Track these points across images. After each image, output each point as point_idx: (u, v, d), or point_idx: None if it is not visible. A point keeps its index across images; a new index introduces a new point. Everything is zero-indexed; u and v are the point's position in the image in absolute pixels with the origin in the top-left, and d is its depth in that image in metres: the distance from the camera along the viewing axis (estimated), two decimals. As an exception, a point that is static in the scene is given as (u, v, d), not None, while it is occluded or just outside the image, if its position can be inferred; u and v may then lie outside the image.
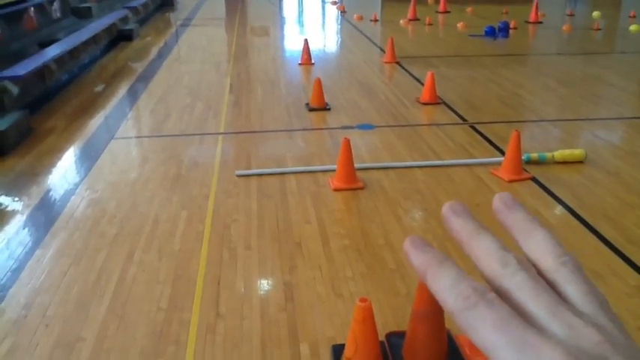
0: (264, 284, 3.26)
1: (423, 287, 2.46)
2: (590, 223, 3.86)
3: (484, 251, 0.39)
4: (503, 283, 0.37)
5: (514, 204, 0.42)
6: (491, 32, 11.00)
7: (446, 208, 0.43)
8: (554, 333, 0.33)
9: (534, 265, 0.39)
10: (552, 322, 0.34)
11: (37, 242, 3.69)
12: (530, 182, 4.48)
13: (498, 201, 0.43)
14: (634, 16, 13.21)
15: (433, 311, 2.48)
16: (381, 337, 2.60)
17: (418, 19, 13.24)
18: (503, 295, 0.36)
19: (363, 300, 2.37)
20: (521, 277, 0.36)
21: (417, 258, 0.40)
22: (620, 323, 0.35)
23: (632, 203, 4.16)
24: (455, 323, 0.36)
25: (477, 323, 0.34)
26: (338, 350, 2.61)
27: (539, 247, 0.39)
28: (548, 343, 0.32)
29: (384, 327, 2.72)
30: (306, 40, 9.00)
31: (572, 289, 0.37)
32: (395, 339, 2.66)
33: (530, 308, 0.35)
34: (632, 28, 11.59)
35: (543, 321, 0.34)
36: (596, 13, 13.24)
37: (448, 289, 0.36)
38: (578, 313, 0.34)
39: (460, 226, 0.42)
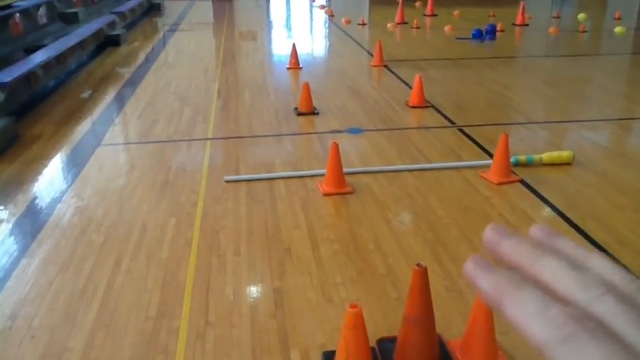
0: (254, 291, 3.23)
1: (414, 292, 2.45)
2: (579, 224, 3.87)
3: (556, 273, 0.34)
4: (592, 310, 0.31)
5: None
6: (478, 35, 11.04)
7: (488, 234, 0.38)
8: None
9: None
10: None
11: (23, 251, 3.65)
12: (519, 184, 4.49)
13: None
14: (619, 18, 13.32)
15: (424, 316, 2.47)
16: (372, 343, 2.59)
17: (406, 23, 13.27)
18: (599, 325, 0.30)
19: (353, 306, 2.35)
20: (611, 300, 0.31)
21: (487, 282, 0.34)
22: None
23: (620, 204, 4.17)
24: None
25: (577, 359, 0.29)
26: (329, 357, 2.59)
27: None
28: None
29: (375, 332, 2.71)
30: (294, 45, 8.99)
31: None
32: (386, 344, 2.64)
33: (633, 338, 0.29)
34: (618, 30, 11.69)
35: None
36: (582, 16, 13.34)
37: (535, 315, 0.31)
38: None
39: (513, 249, 0.36)
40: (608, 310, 0.31)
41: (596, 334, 0.29)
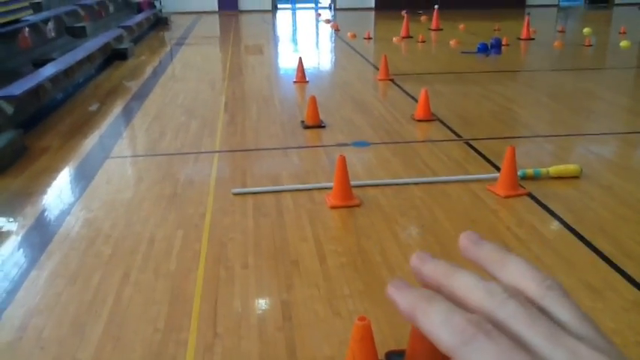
0: (262, 303, 3.24)
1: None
2: (586, 237, 3.86)
3: (466, 286, 0.37)
4: (496, 315, 0.35)
5: (480, 240, 0.41)
6: (483, 49, 11.09)
7: (413, 261, 0.41)
8: None
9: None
10: (554, 350, 0.32)
11: (32, 263, 3.67)
12: (526, 198, 4.49)
13: (464, 239, 0.41)
14: (624, 33, 13.35)
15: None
16: (381, 356, 2.59)
17: (411, 37, 13.34)
18: (498, 327, 0.34)
19: (361, 319, 2.36)
20: (512, 305, 0.35)
21: (403, 300, 0.37)
22: (616, 347, 0.34)
23: (627, 217, 4.17)
24: None
25: (477, 357, 0.32)
26: (337, 369, 2.59)
27: (518, 274, 0.38)
28: None
29: (383, 345, 2.71)
30: (300, 59, 9.05)
31: (565, 313, 0.35)
32: (395, 358, 2.64)
33: (528, 338, 0.33)
34: (623, 44, 11.71)
35: (545, 350, 0.32)
36: (586, 30, 13.38)
37: (441, 324, 0.34)
38: (579, 338, 0.33)
39: (431, 270, 0.40)
40: (508, 314, 0.34)
41: (492, 335, 0.33)
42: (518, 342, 0.33)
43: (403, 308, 0.37)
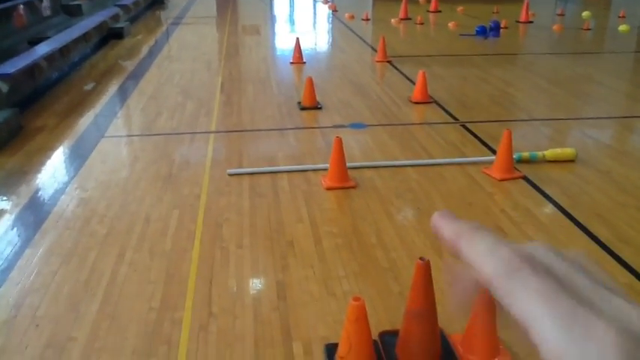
0: (257, 283, 3.25)
1: (417, 286, 2.46)
2: (581, 221, 3.87)
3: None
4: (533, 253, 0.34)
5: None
6: (482, 31, 11.03)
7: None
8: (603, 311, 0.31)
9: None
10: (597, 301, 0.31)
11: (26, 241, 3.66)
12: (522, 181, 4.50)
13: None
14: (623, 17, 13.29)
15: (427, 310, 2.48)
16: (375, 336, 2.60)
17: (409, 19, 13.25)
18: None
19: (356, 299, 2.36)
20: (542, 248, 0.35)
21: (448, 227, 0.37)
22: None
23: (623, 202, 4.18)
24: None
25: (520, 290, 0.32)
26: (331, 349, 2.60)
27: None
28: (601, 320, 0.30)
29: (377, 326, 2.72)
30: (297, 39, 8.98)
31: (595, 275, 0.34)
32: (388, 338, 2.65)
33: (572, 286, 0.32)
34: (622, 28, 11.66)
35: (588, 299, 0.31)
36: (586, 13, 13.31)
37: (486, 253, 0.34)
38: (619, 294, 0.32)
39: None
40: (549, 263, 0.34)
41: (538, 270, 0.32)
42: (555, 276, 0.32)
43: (448, 236, 0.37)
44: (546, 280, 0.32)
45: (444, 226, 0.38)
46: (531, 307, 0.31)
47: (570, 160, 4.82)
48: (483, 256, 0.34)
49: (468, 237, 0.36)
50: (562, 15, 14.37)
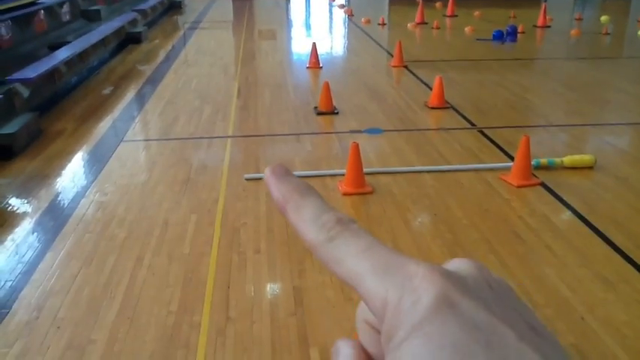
0: (274, 288, 3.26)
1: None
2: (599, 228, 3.84)
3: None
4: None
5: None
6: (499, 36, 10.99)
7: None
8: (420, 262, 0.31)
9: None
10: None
11: (47, 245, 3.71)
12: (540, 188, 4.47)
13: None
14: (642, 21, 13.16)
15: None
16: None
17: (426, 23, 13.24)
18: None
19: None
20: (473, 268, 0.34)
21: (277, 189, 0.36)
22: None
23: (641, 209, 4.14)
24: None
25: (341, 253, 0.32)
26: (348, 355, 2.61)
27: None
28: (411, 261, 0.31)
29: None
30: (314, 44, 9.01)
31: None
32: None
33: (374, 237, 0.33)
34: (641, 32, 11.56)
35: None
36: (604, 18, 13.20)
37: (310, 220, 0.34)
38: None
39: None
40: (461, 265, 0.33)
41: (358, 232, 0.33)
42: (373, 236, 0.33)
43: (276, 198, 0.36)
44: (366, 237, 0.32)
45: (274, 186, 0.36)
46: (353, 267, 0.32)
47: (589, 167, 4.79)
48: (307, 224, 0.34)
49: (295, 202, 0.35)
50: (580, 20, 14.27)
